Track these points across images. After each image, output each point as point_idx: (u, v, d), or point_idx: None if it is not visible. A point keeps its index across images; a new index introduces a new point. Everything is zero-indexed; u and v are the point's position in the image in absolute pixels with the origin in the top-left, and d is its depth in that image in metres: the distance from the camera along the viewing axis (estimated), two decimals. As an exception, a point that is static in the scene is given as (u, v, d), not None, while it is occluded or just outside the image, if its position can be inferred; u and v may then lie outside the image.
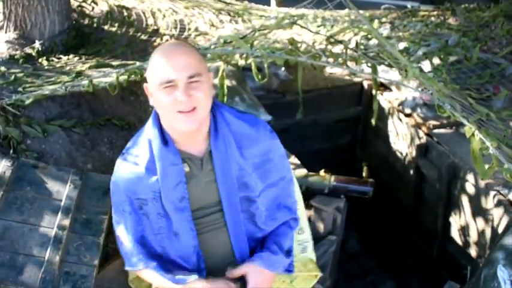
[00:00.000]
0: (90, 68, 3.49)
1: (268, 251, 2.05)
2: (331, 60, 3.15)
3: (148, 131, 1.98)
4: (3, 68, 3.35)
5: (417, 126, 4.28)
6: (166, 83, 1.82)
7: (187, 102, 1.82)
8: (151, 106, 1.95)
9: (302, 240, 2.47)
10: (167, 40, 4.49)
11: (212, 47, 3.27)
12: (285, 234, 2.11)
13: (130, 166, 1.96)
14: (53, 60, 3.71)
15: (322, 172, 3.49)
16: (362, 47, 3.50)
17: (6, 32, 3.91)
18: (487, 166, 2.29)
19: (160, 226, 1.99)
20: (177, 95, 1.81)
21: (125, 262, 2.05)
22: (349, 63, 3.22)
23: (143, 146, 1.97)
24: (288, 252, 2.11)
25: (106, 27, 4.55)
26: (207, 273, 2.03)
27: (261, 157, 2.02)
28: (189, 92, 1.82)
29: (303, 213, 2.42)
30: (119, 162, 2.01)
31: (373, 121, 3.21)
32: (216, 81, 3.17)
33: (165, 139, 1.95)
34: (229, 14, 5.30)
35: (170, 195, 1.95)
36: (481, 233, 3.65)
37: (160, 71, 1.83)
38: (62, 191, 2.60)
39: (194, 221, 2.00)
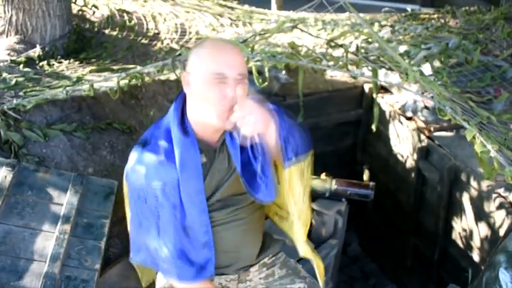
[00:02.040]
0: (91, 72, 3.49)
1: None
2: (331, 63, 3.16)
3: (168, 120, 1.96)
4: (4, 73, 3.35)
5: (418, 129, 4.27)
6: (217, 75, 1.81)
7: (233, 100, 1.80)
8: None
9: None
10: (168, 44, 4.50)
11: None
12: None
13: (149, 155, 1.92)
14: (54, 65, 3.72)
15: (323, 175, 3.49)
16: (362, 50, 3.50)
17: (7, 37, 3.91)
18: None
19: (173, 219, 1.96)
20: (226, 91, 1.81)
21: (149, 264, 2.02)
22: (349, 66, 3.22)
23: (161, 135, 1.95)
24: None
25: (107, 31, 4.56)
26: (216, 270, 2.03)
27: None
28: (236, 90, 1.81)
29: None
30: (137, 152, 1.95)
31: (373, 126, 3.21)
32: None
33: (185, 129, 1.93)
34: (229, 18, 5.31)
35: (188, 186, 1.92)
36: (483, 236, 3.65)
37: (213, 62, 1.82)
38: (63, 195, 2.60)
39: (209, 214, 1.98)
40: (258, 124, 1.78)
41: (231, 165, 2.00)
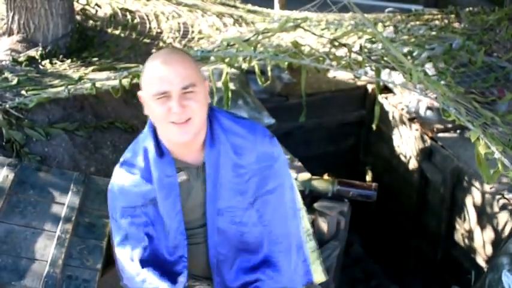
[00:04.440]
0: (93, 71, 3.48)
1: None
2: (334, 63, 3.14)
3: (144, 139, 1.97)
4: (6, 71, 3.34)
5: (421, 130, 4.26)
6: (160, 94, 1.79)
7: (182, 113, 1.79)
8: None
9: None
10: (170, 43, 4.49)
11: (215, 50, 3.27)
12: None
13: (126, 174, 1.95)
14: (56, 63, 3.71)
15: (325, 176, 3.48)
16: (366, 50, 3.48)
17: (9, 35, 3.91)
18: (492, 170, 2.28)
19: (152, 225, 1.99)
20: (171, 106, 1.79)
21: (123, 279, 2.04)
22: (353, 66, 3.21)
23: (139, 154, 1.96)
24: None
25: (109, 30, 4.55)
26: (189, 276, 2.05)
27: (259, 164, 1.98)
28: (183, 103, 1.79)
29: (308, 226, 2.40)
30: (116, 170, 2.00)
31: (373, 126, 3.20)
32: (220, 84, 3.16)
33: (160, 149, 1.93)
34: (232, 17, 5.30)
35: (165, 205, 1.95)
36: (486, 238, 3.63)
37: (154, 81, 1.81)
38: (65, 194, 2.59)
39: (187, 232, 1.99)
40: None
41: None
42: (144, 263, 1.96)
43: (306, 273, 2.14)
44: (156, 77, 1.81)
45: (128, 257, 1.98)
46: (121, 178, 1.96)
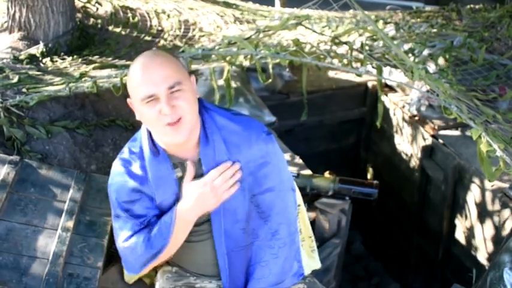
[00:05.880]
0: (94, 69, 3.48)
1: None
2: (336, 61, 3.14)
3: (141, 137, 2.00)
4: (7, 69, 3.34)
5: (422, 127, 4.26)
6: (148, 98, 1.81)
7: (172, 114, 1.81)
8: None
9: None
10: (171, 41, 4.49)
11: (216, 47, 3.26)
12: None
13: (122, 171, 1.99)
14: (57, 61, 3.71)
15: (326, 173, 3.48)
16: (367, 48, 3.47)
17: (10, 33, 3.91)
18: (493, 168, 2.27)
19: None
20: (160, 108, 1.80)
21: (126, 268, 2.07)
22: (354, 64, 3.21)
23: (136, 152, 1.99)
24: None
25: (110, 28, 4.54)
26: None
27: (255, 161, 1.98)
28: (171, 103, 1.80)
29: (305, 218, 2.40)
30: (113, 166, 2.04)
31: (378, 123, 3.19)
32: (221, 82, 3.15)
33: (156, 149, 1.95)
34: (233, 15, 5.29)
35: (163, 202, 1.98)
36: (487, 236, 3.63)
37: (139, 86, 1.82)
38: (66, 192, 2.59)
39: (191, 229, 2.00)
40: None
41: None
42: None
43: (299, 268, 2.16)
44: (141, 82, 1.81)
45: (134, 245, 2.00)
46: (118, 174, 2.00)
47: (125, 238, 2.02)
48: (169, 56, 1.92)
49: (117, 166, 2.02)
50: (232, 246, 2.03)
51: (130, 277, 2.36)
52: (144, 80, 1.81)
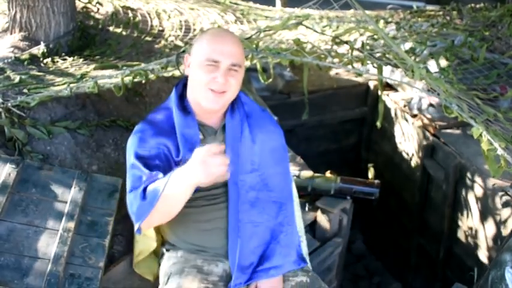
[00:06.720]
0: (95, 69, 3.48)
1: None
2: (336, 60, 3.14)
3: (168, 103, 2.18)
4: (8, 70, 3.34)
5: (423, 126, 4.26)
6: (212, 61, 2.01)
7: (222, 85, 2.03)
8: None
9: None
10: (172, 41, 4.49)
11: (217, 47, 3.25)
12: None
13: (146, 126, 2.13)
14: (58, 62, 3.71)
15: (328, 173, 3.48)
16: (368, 47, 3.47)
17: (11, 34, 3.91)
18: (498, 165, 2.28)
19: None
20: (216, 76, 2.01)
21: (135, 220, 2.04)
22: (354, 63, 3.21)
23: (161, 112, 2.18)
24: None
25: (111, 28, 4.54)
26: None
27: (269, 142, 2.24)
28: (227, 77, 2.01)
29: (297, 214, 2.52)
30: (138, 124, 2.17)
31: (378, 123, 3.20)
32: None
33: (185, 108, 2.13)
34: (234, 15, 5.29)
35: (183, 160, 2.04)
36: (488, 235, 3.63)
37: (210, 49, 2.03)
38: (67, 192, 2.59)
39: (201, 192, 2.09)
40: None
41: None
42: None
43: (300, 256, 2.29)
44: (213, 47, 2.04)
45: (134, 194, 2.03)
46: (142, 125, 2.15)
47: (130, 188, 2.07)
48: (241, 42, 2.19)
49: (140, 125, 2.16)
50: (245, 218, 2.16)
51: (143, 243, 2.41)
52: (217, 46, 2.03)
